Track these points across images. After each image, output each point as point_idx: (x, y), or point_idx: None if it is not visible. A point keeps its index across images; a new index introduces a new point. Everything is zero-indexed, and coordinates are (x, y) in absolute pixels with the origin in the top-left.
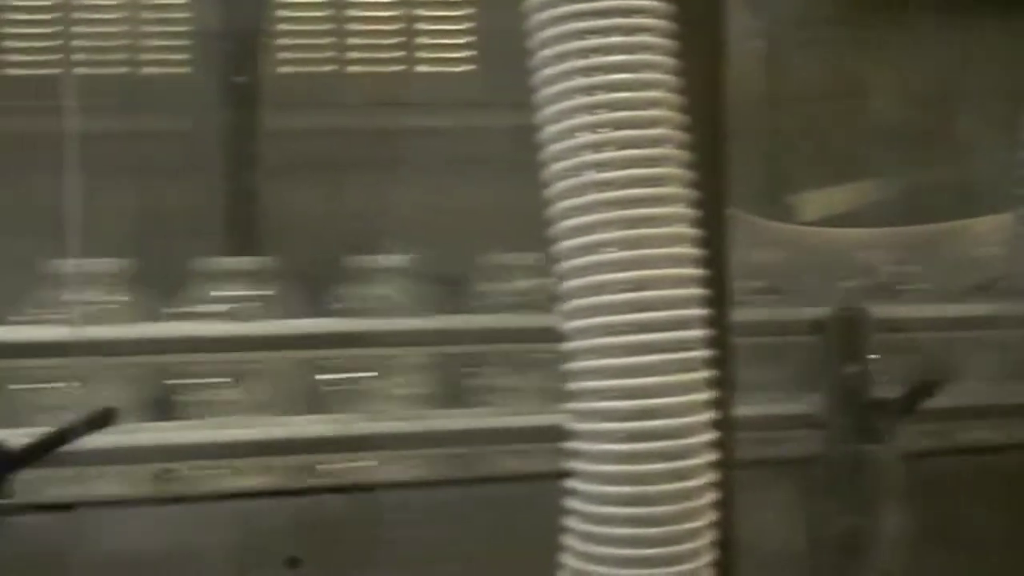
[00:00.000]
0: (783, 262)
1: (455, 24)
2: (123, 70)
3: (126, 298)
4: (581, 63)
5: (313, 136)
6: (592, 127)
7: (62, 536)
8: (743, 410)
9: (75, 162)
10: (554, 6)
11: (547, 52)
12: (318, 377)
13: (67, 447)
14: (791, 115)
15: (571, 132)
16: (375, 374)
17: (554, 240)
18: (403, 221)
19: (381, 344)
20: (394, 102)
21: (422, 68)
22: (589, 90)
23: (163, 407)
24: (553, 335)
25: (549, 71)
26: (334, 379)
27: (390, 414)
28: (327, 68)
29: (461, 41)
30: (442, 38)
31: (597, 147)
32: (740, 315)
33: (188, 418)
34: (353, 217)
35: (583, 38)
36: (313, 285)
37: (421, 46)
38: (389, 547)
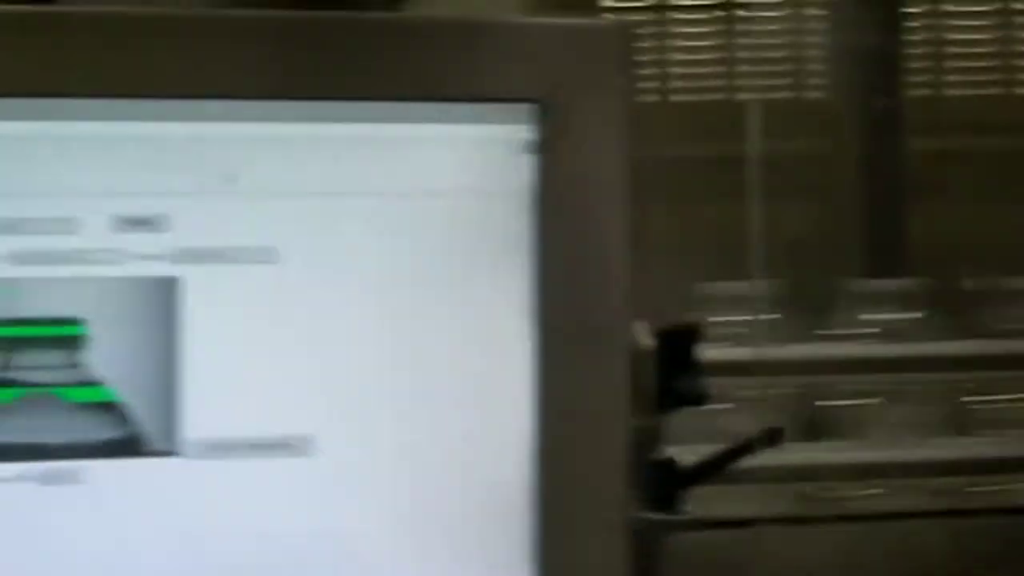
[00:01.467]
0: None
1: None
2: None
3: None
4: None
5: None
6: None
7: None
8: None
9: (756, 186)
10: None
11: None
12: (965, 399)
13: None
14: None
15: None
16: None
17: None
18: None
19: None
20: None
21: None
22: None
23: (812, 427)
24: None
25: None
26: (982, 400)
27: None
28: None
29: None
30: None
31: None
32: None
33: (836, 438)
34: (1004, 238)
35: None
36: (962, 307)
37: None
38: None
